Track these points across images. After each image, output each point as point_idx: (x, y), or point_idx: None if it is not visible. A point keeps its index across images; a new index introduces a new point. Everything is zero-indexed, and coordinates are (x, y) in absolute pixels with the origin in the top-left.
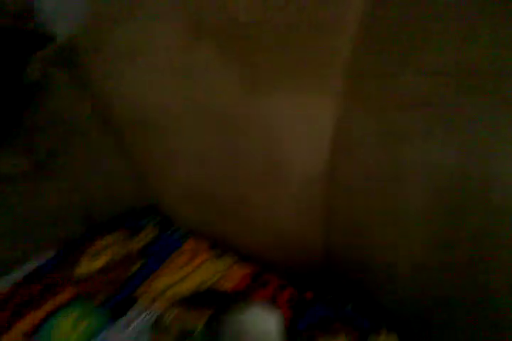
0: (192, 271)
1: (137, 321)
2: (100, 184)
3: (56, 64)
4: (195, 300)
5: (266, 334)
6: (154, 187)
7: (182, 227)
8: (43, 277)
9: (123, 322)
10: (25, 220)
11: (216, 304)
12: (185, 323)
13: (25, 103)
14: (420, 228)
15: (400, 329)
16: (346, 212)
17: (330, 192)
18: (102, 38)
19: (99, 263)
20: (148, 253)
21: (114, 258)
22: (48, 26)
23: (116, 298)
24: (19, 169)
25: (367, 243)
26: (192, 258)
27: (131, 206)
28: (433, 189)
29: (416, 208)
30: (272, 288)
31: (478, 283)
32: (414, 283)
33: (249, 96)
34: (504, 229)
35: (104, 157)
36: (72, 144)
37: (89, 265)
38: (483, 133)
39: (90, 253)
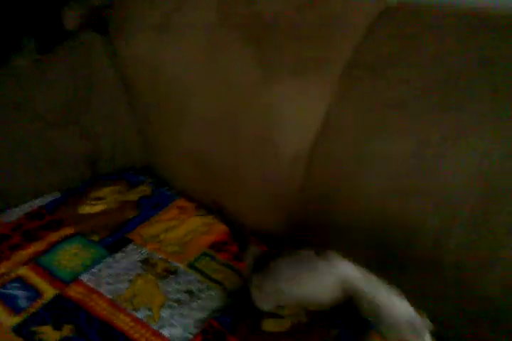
0: (180, 224)
1: (130, 257)
2: (109, 137)
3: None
4: None
5: None
6: (156, 147)
7: (174, 187)
8: (46, 214)
9: (117, 257)
10: (39, 161)
11: None
12: (170, 263)
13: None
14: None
15: None
16: (319, 185)
17: (308, 169)
18: (132, 9)
19: (99, 207)
20: (143, 205)
21: (112, 205)
22: None
23: (112, 238)
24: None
25: (333, 208)
26: (180, 214)
27: (132, 163)
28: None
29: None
30: None
31: None
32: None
33: (259, 83)
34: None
35: (117, 113)
36: (90, 96)
37: (89, 208)
38: (435, 134)
39: (91, 198)
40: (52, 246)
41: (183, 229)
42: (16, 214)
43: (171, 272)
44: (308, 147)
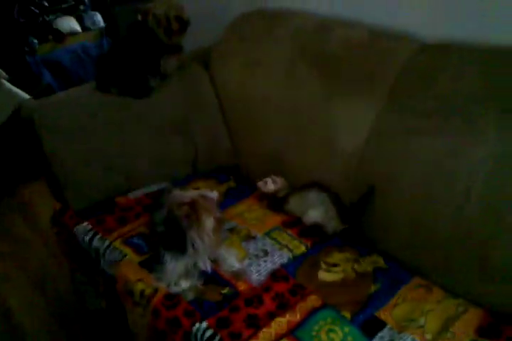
0: (258, 208)
1: None
2: (206, 144)
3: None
4: None
5: None
6: (242, 152)
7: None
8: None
9: None
10: (154, 159)
11: None
12: (250, 232)
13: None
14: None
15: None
16: (368, 171)
17: (361, 159)
18: (229, 51)
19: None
20: (229, 194)
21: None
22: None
23: None
24: None
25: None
26: (258, 202)
27: (222, 163)
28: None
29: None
30: None
31: None
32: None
33: (322, 101)
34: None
35: (213, 126)
36: (194, 113)
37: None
38: (462, 139)
39: (191, 187)
40: None
41: (261, 211)
42: (137, 193)
43: (251, 237)
44: (361, 148)
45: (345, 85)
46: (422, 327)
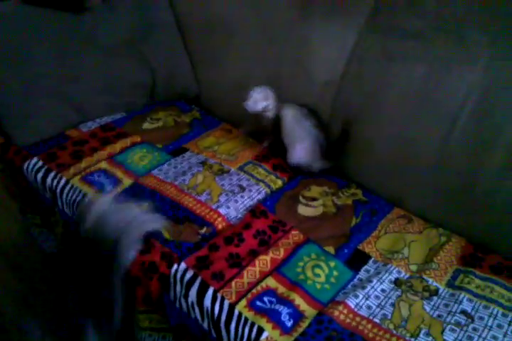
0: (227, 141)
1: (189, 160)
2: (165, 69)
3: None
4: None
5: None
6: (205, 81)
7: (217, 115)
8: (116, 127)
9: (179, 160)
10: (107, 84)
11: None
12: (223, 166)
13: None
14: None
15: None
16: (346, 102)
17: (339, 88)
18: None
19: (158, 125)
20: (194, 125)
21: (168, 123)
22: None
23: (172, 146)
24: None
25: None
26: (227, 134)
27: (183, 93)
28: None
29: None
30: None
31: None
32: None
33: (297, 21)
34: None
35: (173, 49)
36: (150, 33)
37: (150, 125)
38: (451, 65)
39: (151, 118)
40: (124, 150)
41: (231, 144)
42: (91, 125)
43: (224, 172)
44: (338, 76)
45: (323, 3)
46: (406, 258)
